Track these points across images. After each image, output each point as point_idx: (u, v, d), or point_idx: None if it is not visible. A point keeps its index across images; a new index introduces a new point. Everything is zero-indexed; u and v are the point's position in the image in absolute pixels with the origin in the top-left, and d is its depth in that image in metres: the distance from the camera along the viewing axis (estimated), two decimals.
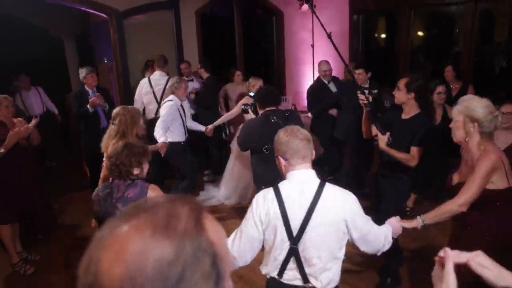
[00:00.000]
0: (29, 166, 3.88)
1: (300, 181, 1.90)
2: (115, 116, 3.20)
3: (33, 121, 3.86)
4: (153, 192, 2.43)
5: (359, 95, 3.24)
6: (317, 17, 3.47)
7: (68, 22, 7.96)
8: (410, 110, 3.06)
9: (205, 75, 5.89)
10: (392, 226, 2.14)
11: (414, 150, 2.93)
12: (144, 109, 5.35)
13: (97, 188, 2.51)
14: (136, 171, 2.42)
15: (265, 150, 3.37)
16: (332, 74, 5.62)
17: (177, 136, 4.50)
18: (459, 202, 2.20)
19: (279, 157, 1.95)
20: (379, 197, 3.24)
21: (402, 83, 3.07)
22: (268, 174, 3.34)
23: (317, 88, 5.55)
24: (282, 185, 1.93)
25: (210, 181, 5.93)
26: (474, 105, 2.20)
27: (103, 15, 5.88)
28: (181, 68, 6.14)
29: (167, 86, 4.70)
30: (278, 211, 1.86)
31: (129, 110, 3.25)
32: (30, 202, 3.84)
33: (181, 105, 4.57)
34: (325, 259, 1.88)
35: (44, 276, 3.77)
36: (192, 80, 6.12)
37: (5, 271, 3.84)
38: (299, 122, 3.57)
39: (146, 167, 2.50)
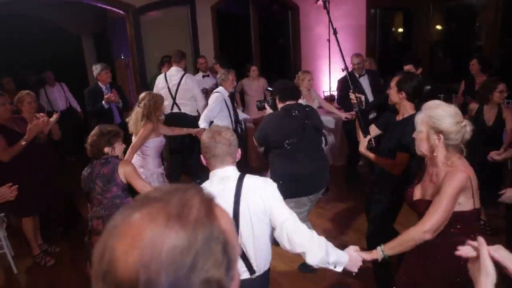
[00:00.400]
0: (49, 161, 3.94)
1: (221, 178, 1.97)
2: (141, 100, 3.57)
3: (54, 116, 3.92)
4: (122, 167, 2.77)
5: (350, 94, 3.07)
6: (328, 13, 3.36)
7: (85, 19, 8.06)
8: (404, 111, 2.81)
9: (221, 70, 5.88)
10: (349, 256, 1.92)
11: (398, 156, 2.69)
12: None
13: (84, 169, 2.89)
14: (106, 150, 2.79)
15: (286, 145, 3.26)
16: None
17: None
18: (424, 228, 1.88)
19: (201, 156, 2.03)
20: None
21: (393, 81, 2.82)
22: (290, 170, 3.29)
23: (347, 82, 5.36)
24: (204, 185, 1.98)
25: None
26: (439, 114, 1.90)
27: (120, 11, 5.93)
28: (198, 62, 6.14)
29: (217, 78, 4.91)
30: None
31: (153, 96, 3.61)
32: (50, 195, 3.91)
33: (229, 96, 4.79)
34: (263, 245, 1.98)
35: (64, 268, 3.84)
36: (208, 76, 6.13)
37: (26, 263, 3.92)
38: (318, 118, 3.53)
39: (118, 147, 2.86)
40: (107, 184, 2.75)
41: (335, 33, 3.14)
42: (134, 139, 3.55)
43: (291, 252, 1.93)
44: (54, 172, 4.02)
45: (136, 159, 3.56)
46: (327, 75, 7.31)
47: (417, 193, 2.10)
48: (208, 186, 1.97)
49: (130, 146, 3.47)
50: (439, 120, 1.89)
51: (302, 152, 3.29)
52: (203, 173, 5.00)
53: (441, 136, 1.90)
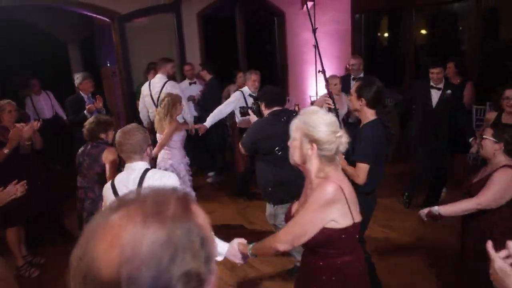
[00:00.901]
0: (34, 170, 3.89)
1: (131, 170, 2.33)
2: (161, 101, 4.08)
3: (35, 123, 3.84)
4: (106, 153, 3.22)
5: (326, 98, 3.03)
6: (308, 13, 3.39)
7: (71, 26, 8.01)
8: (364, 118, 2.75)
9: (208, 76, 5.89)
10: (230, 246, 1.99)
11: (356, 165, 2.63)
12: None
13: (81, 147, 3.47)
14: (102, 135, 3.36)
15: (277, 151, 3.23)
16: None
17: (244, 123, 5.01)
18: (279, 239, 1.81)
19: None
20: None
21: (353, 87, 2.77)
22: (281, 176, 3.26)
23: (341, 82, 5.28)
24: (117, 176, 2.37)
25: (216, 182, 5.91)
26: (315, 121, 1.74)
27: (105, 18, 5.90)
28: (184, 69, 6.13)
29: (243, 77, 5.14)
30: (113, 197, 2.29)
31: (172, 97, 4.03)
32: (35, 205, 3.85)
33: (250, 95, 4.96)
34: None
35: (49, 279, 3.78)
36: (195, 83, 6.12)
37: None
38: None
39: (110, 134, 3.39)
40: (92, 163, 3.31)
41: (314, 32, 3.14)
42: (158, 135, 4.10)
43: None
44: (39, 182, 3.95)
45: (164, 153, 4.07)
46: (314, 80, 7.35)
47: (294, 209, 1.96)
48: (119, 176, 2.34)
49: (158, 143, 4.06)
50: (314, 128, 1.73)
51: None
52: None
53: (315, 145, 1.74)
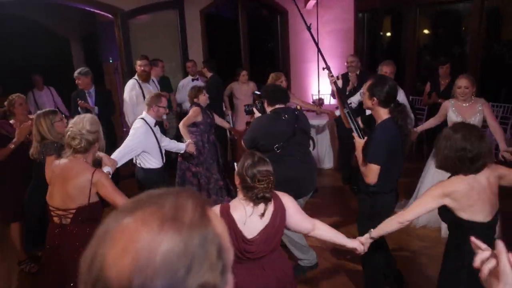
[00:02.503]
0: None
1: None
2: None
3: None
4: (191, 110, 4.32)
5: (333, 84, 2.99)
6: (299, 12, 3.38)
7: (74, 23, 8.01)
8: (378, 117, 2.69)
9: (209, 74, 5.90)
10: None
11: (367, 165, 2.60)
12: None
13: None
14: (195, 100, 4.38)
15: (276, 149, 3.22)
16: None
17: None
18: None
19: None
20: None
21: (365, 85, 2.70)
22: (280, 174, 3.23)
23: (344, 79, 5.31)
24: None
25: None
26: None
27: (108, 15, 5.90)
28: (187, 66, 6.15)
29: None
30: None
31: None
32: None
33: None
34: None
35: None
36: (197, 79, 6.13)
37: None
38: (307, 122, 3.52)
39: (202, 97, 4.37)
40: None
41: (308, 29, 3.12)
42: None
43: None
44: None
45: None
46: (316, 79, 7.35)
47: None
48: None
49: None
50: None
51: (292, 156, 3.27)
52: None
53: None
